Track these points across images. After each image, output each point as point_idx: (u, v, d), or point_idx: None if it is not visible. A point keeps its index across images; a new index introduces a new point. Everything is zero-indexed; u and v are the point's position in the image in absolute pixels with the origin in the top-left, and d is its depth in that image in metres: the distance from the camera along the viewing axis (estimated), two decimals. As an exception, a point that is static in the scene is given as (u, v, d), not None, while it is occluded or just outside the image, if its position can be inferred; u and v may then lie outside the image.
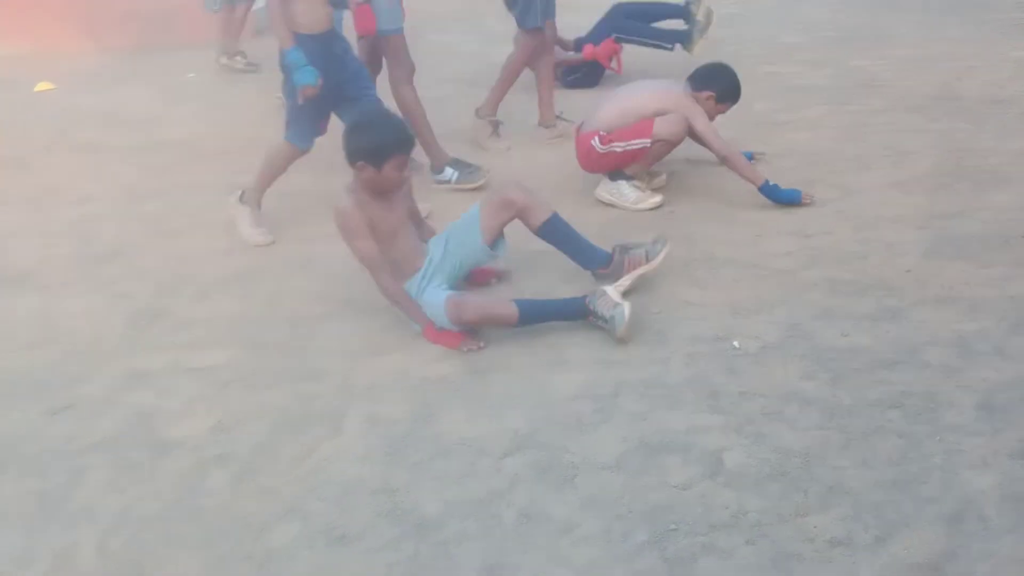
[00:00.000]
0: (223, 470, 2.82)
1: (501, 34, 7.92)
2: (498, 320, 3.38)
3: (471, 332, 3.41)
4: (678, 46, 6.08)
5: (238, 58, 7.58)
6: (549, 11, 5.22)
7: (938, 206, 4.10)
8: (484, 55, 7.14)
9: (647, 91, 4.41)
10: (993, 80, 5.58)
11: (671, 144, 4.33)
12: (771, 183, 4.19)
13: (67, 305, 3.95)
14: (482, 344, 3.37)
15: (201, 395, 3.23)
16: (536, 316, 3.41)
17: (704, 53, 6.39)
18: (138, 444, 2.98)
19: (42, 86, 7.53)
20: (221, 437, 2.98)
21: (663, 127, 4.26)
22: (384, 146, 3.36)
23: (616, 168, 4.40)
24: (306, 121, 4.28)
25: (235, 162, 5.44)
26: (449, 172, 4.79)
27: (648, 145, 4.30)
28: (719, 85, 4.32)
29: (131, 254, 4.42)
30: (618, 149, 4.35)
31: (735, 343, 3.24)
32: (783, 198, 4.19)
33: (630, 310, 3.30)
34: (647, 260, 3.62)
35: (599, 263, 3.67)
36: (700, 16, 6.01)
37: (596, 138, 4.37)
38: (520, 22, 5.20)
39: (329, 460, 2.83)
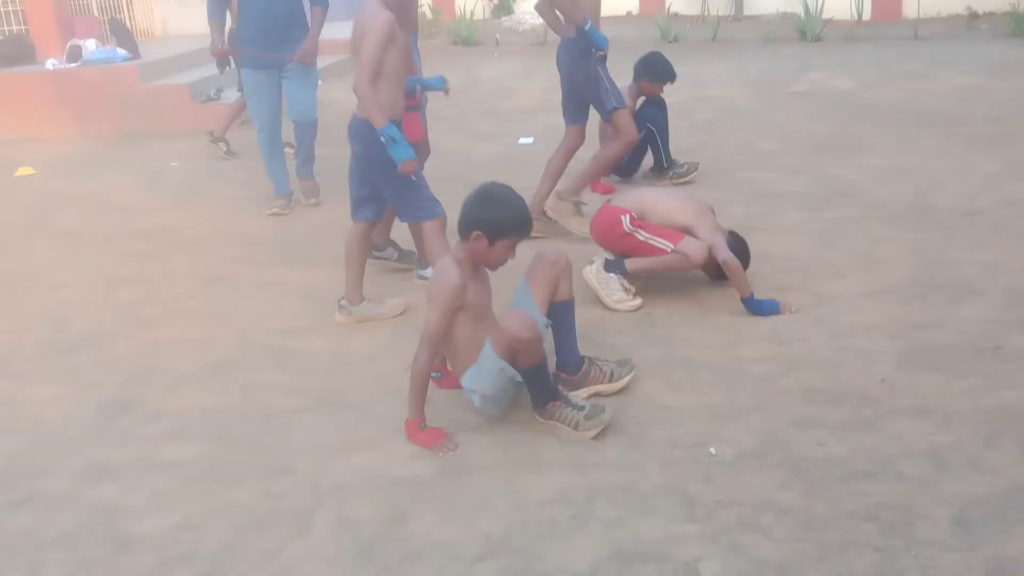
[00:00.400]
0: (187, 569, 2.74)
1: (484, 133, 8.08)
2: (527, 350, 3.26)
3: (448, 434, 3.36)
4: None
5: (221, 144, 7.68)
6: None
7: (911, 316, 4.13)
8: (466, 151, 7.26)
9: (689, 204, 4.50)
10: (964, 192, 5.71)
11: (685, 263, 4.35)
12: (754, 296, 4.24)
13: (35, 392, 3.89)
14: (455, 447, 3.31)
15: (167, 490, 3.16)
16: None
17: (684, 156, 6.54)
18: (99, 540, 2.90)
19: (23, 171, 7.56)
20: (186, 535, 2.91)
21: (689, 247, 4.31)
22: (506, 223, 3.33)
23: (624, 254, 4.44)
24: (420, 188, 4.18)
25: (213, 252, 5.46)
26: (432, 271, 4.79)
27: (666, 250, 4.34)
28: None
29: (104, 342, 4.38)
30: (641, 237, 4.38)
31: (712, 449, 3.21)
32: (764, 311, 4.23)
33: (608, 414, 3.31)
34: (609, 380, 3.62)
35: (571, 367, 3.66)
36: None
37: (627, 216, 4.40)
38: (602, 111, 5.26)
39: (296, 562, 2.75)
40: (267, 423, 3.57)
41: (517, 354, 3.25)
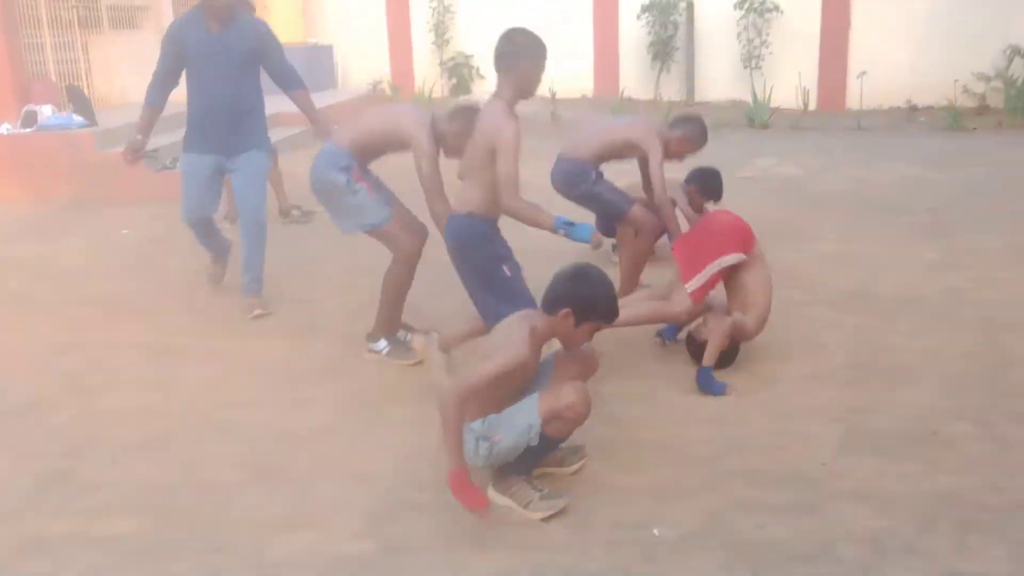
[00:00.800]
0: (116, 650, 2.66)
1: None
2: (570, 425, 3.33)
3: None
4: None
5: (294, 212, 7.73)
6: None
7: (852, 400, 4.21)
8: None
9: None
10: (905, 280, 5.87)
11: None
12: (711, 371, 4.32)
13: (-31, 463, 3.79)
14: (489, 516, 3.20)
15: (102, 566, 3.09)
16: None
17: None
18: (27, 619, 2.81)
19: (-28, 234, 7.47)
20: (118, 613, 2.83)
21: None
22: (598, 306, 3.33)
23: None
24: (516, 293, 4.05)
25: (161, 322, 5.41)
26: (383, 344, 4.79)
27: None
28: None
29: (43, 410, 4.30)
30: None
31: (655, 531, 3.22)
32: (714, 390, 4.29)
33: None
34: (561, 465, 3.63)
35: None
36: None
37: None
38: (619, 219, 5.38)
39: (231, 643, 2.69)
40: (208, 498, 3.51)
41: (559, 422, 3.27)
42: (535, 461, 3.44)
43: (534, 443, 3.30)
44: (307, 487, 3.59)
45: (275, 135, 6.18)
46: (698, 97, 14.18)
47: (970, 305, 5.37)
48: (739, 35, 13.66)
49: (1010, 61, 12.56)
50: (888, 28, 13.35)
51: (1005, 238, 6.68)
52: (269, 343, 5.07)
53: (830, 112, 13.29)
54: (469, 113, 4.40)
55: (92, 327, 5.37)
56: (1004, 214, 7.35)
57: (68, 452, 3.89)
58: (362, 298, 5.46)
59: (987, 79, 12.77)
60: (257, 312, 5.45)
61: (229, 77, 5.35)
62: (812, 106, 13.57)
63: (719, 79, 14.02)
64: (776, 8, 13.40)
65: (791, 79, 13.55)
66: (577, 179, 5.41)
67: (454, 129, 4.45)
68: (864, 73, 13.15)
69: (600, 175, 5.44)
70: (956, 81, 12.78)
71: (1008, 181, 8.63)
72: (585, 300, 3.31)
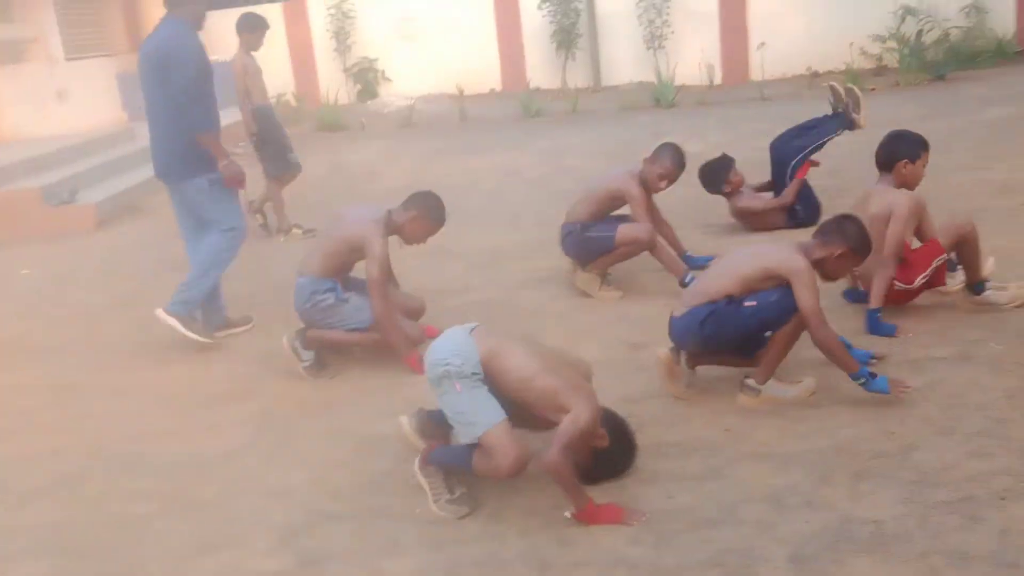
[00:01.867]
0: None
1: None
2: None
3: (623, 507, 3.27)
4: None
5: (295, 230, 7.72)
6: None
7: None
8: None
9: (880, 212, 4.59)
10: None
11: (970, 239, 4.57)
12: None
13: None
14: (643, 513, 3.23)
15: (12, 612, 3.05)
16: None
17: (545, 228, 6.71)
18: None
19: None
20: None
21: (954, 230, 4.58)
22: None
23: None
24: None
25: (66, 360, 5.33)
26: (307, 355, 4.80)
27: (948, 257, 4.60)
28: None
29: (-51, 462, 4.20)
30: (921, 281, 4.57)
31: (567, 513, 3.27)
32: (883, 332, 4.45)
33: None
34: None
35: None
36: (848, 98, 6.79)
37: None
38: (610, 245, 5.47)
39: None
40: (121, 532, 3.48)
41: (484, 464, 3.31)
42: (460, 468, 3.45)
43: (463, 440, 3.37)
44: (221, 509, 3.58)
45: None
46: (605, 82, 14.32)
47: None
48: (640, 17, 13.82)
49: (901, 21, 12.91)
50: (782, -1, 13.64)
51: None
52: (176, 370, 5.03)
53: (735, 85, 13.52)
54: (422, 199, 4.71)
55: (-4, 371, 5.27)
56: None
57: (-24, 500, 3.82)
58: (270, 315, 5.45)
59: (882, 40, 13.10)
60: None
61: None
62: (717, 81, 13.78)
63: (624, 62, 14.18)
64: (672, -13, 13.60)
65: (695, 56, 13.75)
66: (571, 238, 5.61)
67: (410, 216, 4.67)
68: (763, 44, 13.40)
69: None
70: (852, 44, 13.09)
71: (903, 137, 8.88)
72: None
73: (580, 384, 3.37)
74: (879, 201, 4.62)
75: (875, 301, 4.49)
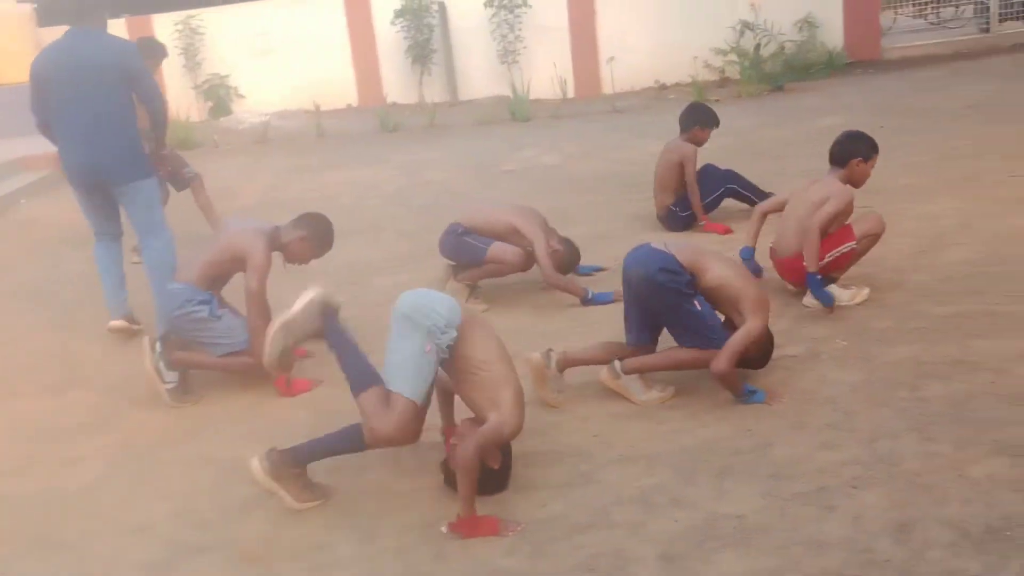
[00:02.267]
0: None
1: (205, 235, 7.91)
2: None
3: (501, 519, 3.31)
4: None
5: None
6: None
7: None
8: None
9: (817, 198, 4.85)
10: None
11: (876, 237, 4.92)
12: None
13: None
14: (518, 523, 3.29)
15: None
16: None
17: (406, 241, 6.65)
18: None
19: None
20: None
21: (867, 224, 4.87)
22: None
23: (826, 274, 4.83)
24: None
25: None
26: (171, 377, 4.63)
27: (855, 247, 4.85)
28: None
29: None
30: (828, 259, 4.80)
31: (443, 528, 3.29)
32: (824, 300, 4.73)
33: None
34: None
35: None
36: None
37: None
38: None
39: None
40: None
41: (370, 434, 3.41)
42: (325, 454, 3.51)
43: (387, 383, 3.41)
44: (80, 549, 3.43)
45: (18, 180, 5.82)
46: (462, 96, 14.41)
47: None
48: (493, 32, 13.96)
49: (740, 35, 13.50)
50: (630, 14, 14.03)
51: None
52: (29, 404, 4.78)
53: (588, 98, 13.83)
54: (314, 220, 4.75)
55: None
56: (748, 177, 7.89)
57: None
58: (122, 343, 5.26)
59: (723, 53, 13.67)
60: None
61: None
62: (571, 94, 14.07)
63: (480, 77, 14.30)
64: (524, 3, 13.80)
65: (548, 70, 14.00)
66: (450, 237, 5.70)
67: (298, 236, 4.68)
68: (612, 59, 13.77)
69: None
70: (696, 58, 13.61)
71: (747, 146, 9.29)
72: None
73: (521, 395, 3.46)
74: (822, 188, 4.91)
75: (813, 265, 4.74)
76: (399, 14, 14.08)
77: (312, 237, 4.70)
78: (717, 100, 12.42)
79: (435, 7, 14.12)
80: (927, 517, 3.02)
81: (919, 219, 6.05)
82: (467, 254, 5.62)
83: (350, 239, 7.41)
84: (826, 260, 4.82)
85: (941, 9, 15.07)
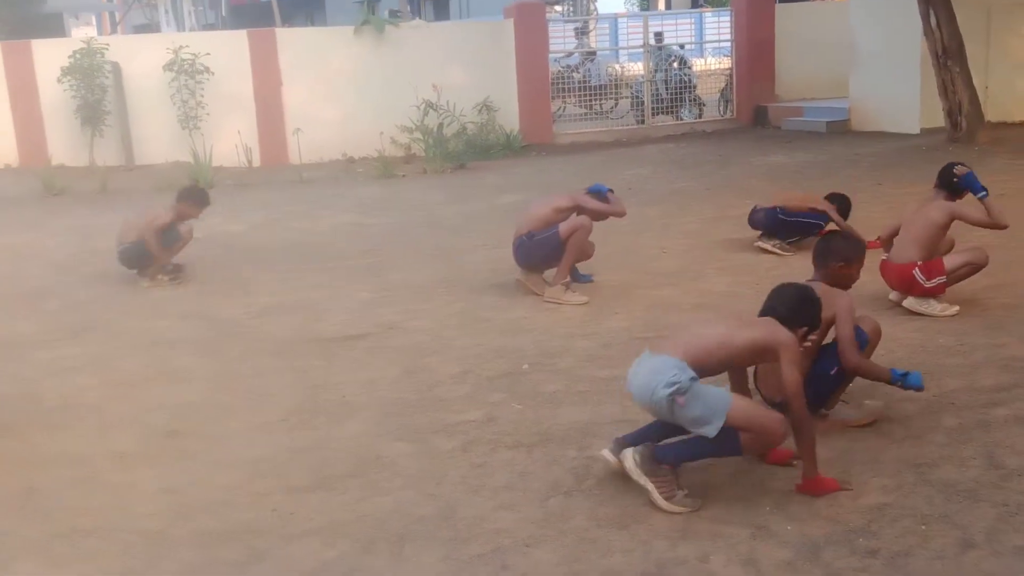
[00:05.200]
0: None
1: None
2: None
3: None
4: None
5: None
6: None
7: (298, 440, 4.34)
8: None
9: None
10: (344, 319, 6.21)
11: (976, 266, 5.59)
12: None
13: None
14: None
15: None
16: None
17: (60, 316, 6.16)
18: None
19: None
20: None
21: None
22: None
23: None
24: None
25: None
26: None
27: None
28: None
29: None
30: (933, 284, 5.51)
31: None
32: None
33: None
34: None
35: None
36: None
37: (917, 269, 5.50)
38: None
39: None
40: None
41: (752, 438, 3.51)
42: (693, 458, 3.61)
43: (709, 435, 3.46)
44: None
45: None
46: (139, 160, 13.69)
47: (402, 334, 5.84)
48: (172, 97, 13.46)
49: (424, 114, 14.00)
50: (317, 88, 14.12)
51: (426, 273, 7.37)
52: None
53: (274, 167, 13.66)
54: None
55: None
56: (427, 251, 8.12)
57: None
58: None
59: (409, 130, 14.08)
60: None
61: None
62: (256, 162, 13.83)
63: (158, 141, 13.66)
64: (207, 70, 13.45)
65: (232, 138, 13.67)
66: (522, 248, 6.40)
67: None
68: (299, 130, 13.74)
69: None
70: (382, 133, 13.90)
71: (430, 220, 9.59)
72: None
73: (752, 319, 3.77)
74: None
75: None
76: (67, 72, 13.21)
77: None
78: (403, 175, 12.75)
79: (107, 67, 13.39)
80: (592, 569, 3.19)
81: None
82: (546, 249, 6.25)
83: (3, 311, 6.75)
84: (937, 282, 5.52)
85: (603, 102, 16.52)
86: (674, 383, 3.43)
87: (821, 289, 4.01)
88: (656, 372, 3.51)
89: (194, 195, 7.42)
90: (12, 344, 5.97)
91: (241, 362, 5.45)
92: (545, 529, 3.46)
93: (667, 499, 3.50)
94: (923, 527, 3.33)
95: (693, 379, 3.48)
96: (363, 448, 4.24)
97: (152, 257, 7.18)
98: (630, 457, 3.58)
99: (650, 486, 3.51)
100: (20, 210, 10.82)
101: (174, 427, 4.56)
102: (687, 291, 6.44)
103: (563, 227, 6.21)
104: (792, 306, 3.74)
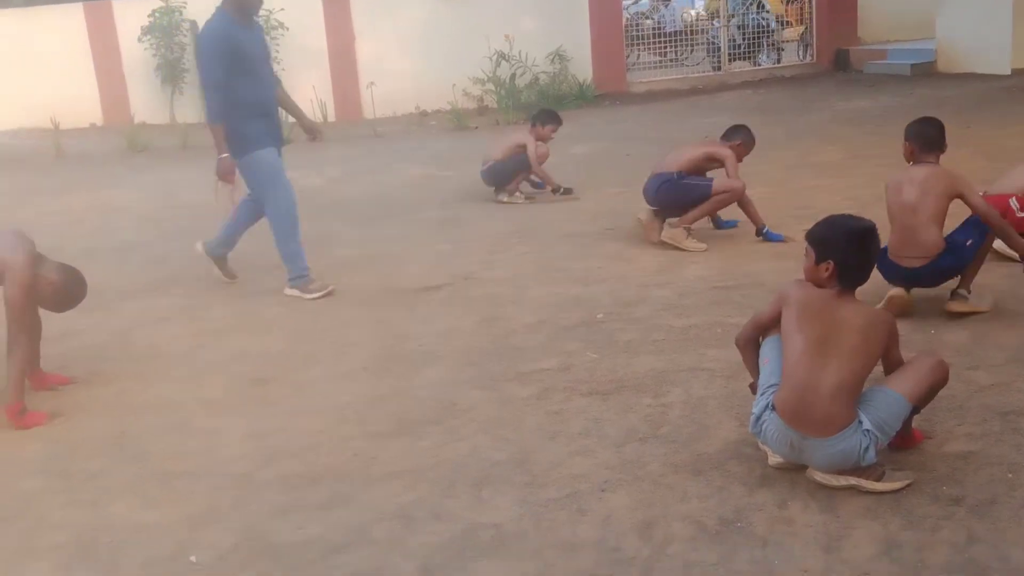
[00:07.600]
0: None
1: None
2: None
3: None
4: None
5: None
6: None
7: (380, 388, 4.43)
8: None
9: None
10: (423, 270, 6.28)
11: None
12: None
13: None
14: None
15: None
16: None
17: (147, 270, 6.34)
18: None
19: None
20: None
21: None
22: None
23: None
24: None
25: None
26: None
27: None
28: None
29: None
30: None
31: (192, 558, 3.13)
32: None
33: None
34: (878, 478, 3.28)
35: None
36: None
37: (1014, 199, 5.32)
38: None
39: None
40: None
41: (929, 392, 3.39)
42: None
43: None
44: None
45: None
46: (215, 118, 13.94)
47: (478, 284, 5.89)
48: (249, 53, 13.64)
49: (496, 65, 13.94)
50: (390, 40, 14.15)
51: (500, 224, 7.40)
52: None
53: (349, 122, 13.79)
54: (72, 276, 4.45)
55: None
56: (500, 204, 8.14)
57: None
58: None
59: (481, 82, 14.05)
60: (322, 291, 5.81)
61: (271, 74, 5.86)
62: (331, 118, 13.97)
63: (236, 98, 13.89)
64: (281, 25, 13.57)
65: (307, 93, 13.78)
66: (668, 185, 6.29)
67: (50, 278, 4.34)
68: (373, 84, 13.82)
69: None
70: (454, 86, 13.90)
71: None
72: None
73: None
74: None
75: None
76: (147, 31, 13.47)
77: (60, 289, 4.37)
78: (476, 127, 12.74)
79: (186, 25, 13.61)
80: (669, 514, 3.20)
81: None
82: (694, 195, 6.21)
83: (95, 262, 6.97)
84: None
85: (677, 49, 16.23)
86: (868, 447, 3.22)
87: (937, 171, 4.70)
88: (846, 456, 3.23)
89: (549, 117, 7.99)
90: (103, 295, 6.17)
91: (323, 313, 5.56)
92: (621, 474, 3.48)
93: (878, 480, 3.26)
94: (1010, 475, 3.26)
95: (866, 430, 3.23)
96: (441, 395, 4.30)
97: (510, 177, 7.93)
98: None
99: (855, 481, 3.25)
100: (106, 167, 11.14)
101: (260, 375, 4.69)
102: (765, 243, 6.33)
103: (719, 183, 6.24)
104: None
